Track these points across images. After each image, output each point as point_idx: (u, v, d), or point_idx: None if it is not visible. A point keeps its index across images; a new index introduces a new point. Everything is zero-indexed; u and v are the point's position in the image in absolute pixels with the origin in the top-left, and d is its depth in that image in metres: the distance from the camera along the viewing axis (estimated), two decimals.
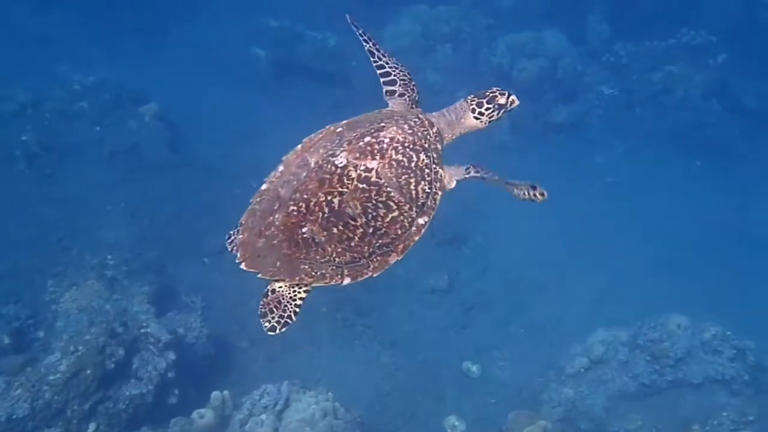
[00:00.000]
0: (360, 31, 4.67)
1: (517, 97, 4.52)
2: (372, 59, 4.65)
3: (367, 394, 11.41)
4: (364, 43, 4.66)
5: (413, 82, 4.65)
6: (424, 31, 19.78)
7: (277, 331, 4.09)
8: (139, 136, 16.02)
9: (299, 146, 4.28)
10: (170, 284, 12.23)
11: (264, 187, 4.24)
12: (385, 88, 4.64)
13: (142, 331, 9.51)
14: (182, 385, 9.84)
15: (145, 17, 22.31)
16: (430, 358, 12.26)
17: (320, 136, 4.27)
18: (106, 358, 8.92)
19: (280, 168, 4.24)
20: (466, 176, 4.39)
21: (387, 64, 4.63)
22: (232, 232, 4.35)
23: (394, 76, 4.62)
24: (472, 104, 4.47)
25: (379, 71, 4.64)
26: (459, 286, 13.82)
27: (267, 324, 4.09)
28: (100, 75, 17.13)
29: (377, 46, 4.64)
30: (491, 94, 4.49)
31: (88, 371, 8.79)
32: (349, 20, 4.70)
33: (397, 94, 4.61)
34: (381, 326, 12.60)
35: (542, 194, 4.43)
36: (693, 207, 16.52)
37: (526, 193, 4.44)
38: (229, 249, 4.34)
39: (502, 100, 4.48)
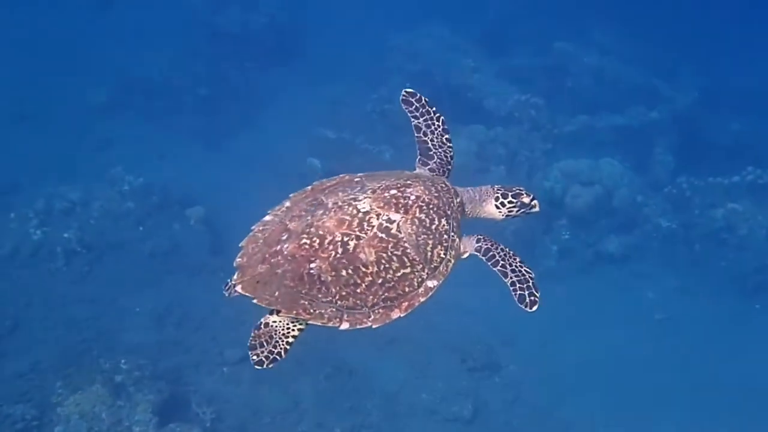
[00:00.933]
0: (414, 106, 4.78)
1: (539, 205, 4.66)
2: (417, 134, 4.79)
3: None
4: (413, 119, 4.77)
5: (450, 167, 4.74)
6: (479, 151, 19.67)
7: (265, 366, 4.01)
8: (181, 238, 16.12)
9: (309, 187, 4.35)
10: (183, 393, 11.98)
11: (268, 218, 4.26)
12: (421, 158, 4.78)
13: None
14: None
15: (207, 123, 22.82)
16: None
17: (334, 182, 4.36)
18: None
19: (287, 204, 4.29)
20: (476, 252, 4.41)
21: (433, 141, 4.75)
22: (229, 281, 4.19)
23: (436, 156, 4.73)
24: (497, 193, 4.59)
25: (420, 145, 4.78)
26: (485, 417, 13.22)
27: (255, 357, 4.01)
28: (151, 177, 17.42)
29: (429, 122, 4.77)
30: (517, 191, 4.62)
31: None
32: (405, 95, 4.81)
33: (428, 167, 4.72)
34: None
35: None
36: (749, 354, 15.64)
37: (521, 286, 4.41)
38: (226, 294, 4.22)
39: (525, 200, 4.58)
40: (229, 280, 4.20)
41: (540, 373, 14.29)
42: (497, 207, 4.58)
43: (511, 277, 4.38)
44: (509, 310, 13.49)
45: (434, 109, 4.76)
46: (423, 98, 4.77)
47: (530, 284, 4.37)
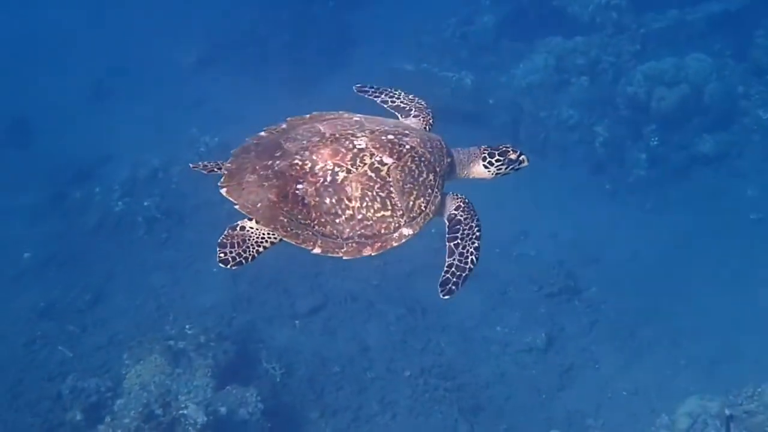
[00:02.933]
0: (370, 92, 5.00)
1: (528, 159, 4.66)
2: (385, 106, 4.90)
3: None
4: (375, 99, 4.92)
5: (429, 109, 4.85)
6: (557, 65, 18.89)
7: (229, 266, 4.06)
8: None
9: (308, 115, 4.50)
10: (253, 350, 12.24)
11: (263, 134, 4.38)
12: (398, 114, 4.87)
13: (181, 412, 9.51)
14: None
15: (293, 71, 22.89)
16: (515, 426, 11.51)
17: (333, 115, 4.50)
18: None
19: (283, 125, 4.43)
20: (449, 216, 4.43)
21: (398, 99, 4.92)
22: (201, 162, 4.58)
23: (413, 108, 4.86)
24: (484, 153, 4.63)
25: (392, 109, 4.89)
26: (561, 344, 12.92)
27: (222, 255, 4.07)
28: (229, 135, 17.63)
29: (389, 94, 4.97)
30: (504, 149, 4.64)
31: None
32: (356, 90, 5.07)
33: (412, 115, 4.81)
34: (467, 389, 11.98)
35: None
36: None
37: (456, 272, 4.33)
38: (192, 167, 4.61)
39: (513, 156, 4.62)
40: (206, 162, 4.52)
41: (622, 293, 13.79)
42: (485, 167, 4.63)
43: (452, 260, 4.32)
44: (594, 229, 13.24)
45: (388, 88, 4.93)
46: (371, 86, 5.02)
47: (462, 276, 4.29)
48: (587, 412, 11.69)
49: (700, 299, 13.43)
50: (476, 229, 4.38)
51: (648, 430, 10.70)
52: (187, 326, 11.82)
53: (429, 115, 4.82)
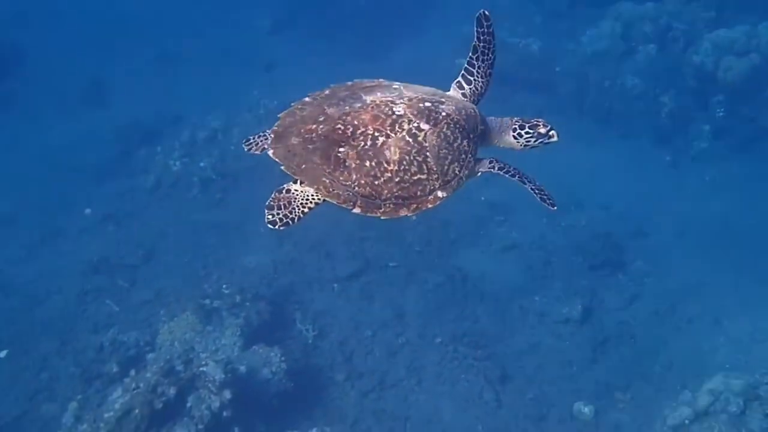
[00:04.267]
0: (482, 30, 4.73)
1: (558, 134, 4.78)
2: (471, 54, 4.79)
3: None
4: (476, 40, 4.77)
5: (480, 98, 4.91)
6: (624, 32, 18.44)
7: (277, 227, 4.40)
8: None
9: (349, 83, 4.65)
10: (289, 311, 12.49)
11: (307, 99, 4.59)
12: (459, 80, 4.87)
13: (201, 369, 9.84)
14: (246, 423, 10.03)
15: (366, 36, 23.01)
16: (542, 396, 11.47)
17: (374, 83, 4.64)
18: (156, 398, 9.35)
19: (327, 91, 4.61)
20: (490, 169, 4.73)
21: (479, 69, 4.82)
22: (252, 137, 4.87)
23: (474, 83, 4.85)
24: (515, 125, 4.81)
25: (467, 67, 4.83)
26: (599, 316, 12.79)
27: (270, 217, 4.43)
28: (287, 99, 17.84)
29: (485, 50, 4.79)
30: (534, 122, 4.80)
31: (137, 411, 9.27)
32: (481, 15, 4.69)
33: (461, 91, 4.85)
34: (499, 358, 12.00)
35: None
36: None
37: (539, 191, 4.77)
38: (245, 148, 4.85)
39: (542, 130, 4.77)
40: (251, 137, 4.84)
41: (668, 268, 13.58)
42: (515, 138, 4.80)
43: (529, 186, 4.73)
44: (648, 202, 13.05)
45: (494, 41, 4.80)
46: (492, 25, 4.79)
47: (545, 192, 4.74)
48: (617, 386, 11.57)
49: (746, 279, 13.10)
50: (515, 168, 4.76)
51: (670, 405, 10.53)
52: (224, 286, 12.15)
53: (477, 100, 4.88)
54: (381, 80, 4.70)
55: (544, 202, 4.70)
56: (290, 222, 4.40)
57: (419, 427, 10.87)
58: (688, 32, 18.33)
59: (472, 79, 4.82)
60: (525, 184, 4.74)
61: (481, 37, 4.73)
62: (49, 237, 15.00)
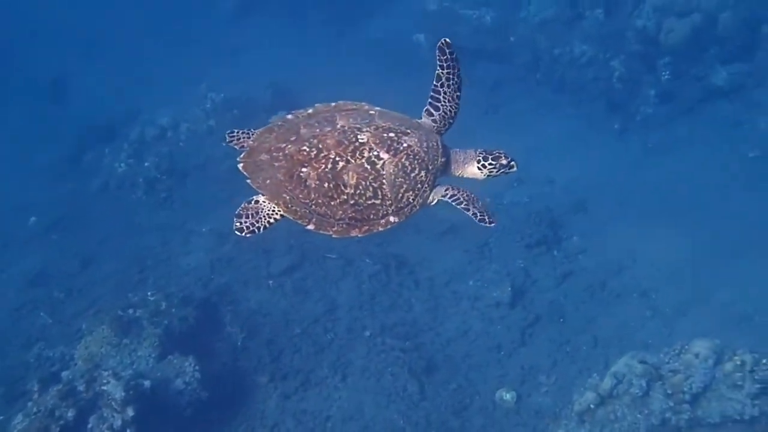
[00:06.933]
0: (446, 57, 4.96)
1: (517, 165, 5.16)
2: (435, 83, 5.05)
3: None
4: (439, 68, 5.01)
5: (451, 121, 5.17)
6: None
7: (243, 234, 4.77)
8: None
9: (333, 104, 4.98)
10: (220, 313, 12.50)
11: (289, 117, 4.92)
12: (428, 108, 5.14)
13: (103, 387, 9.81)
14: None
15: (335, 15, 22.93)
16: (467, 384, 11.43)
17: (354, 106, 4.96)
18: (53, 422, 9.27)
19: (310, 110, 4.95)
20: (443, 197, 5.03)
21: (445, 95, 5.06)
22: (236, 131, 5.08)
23: (442, 109, 5.10)
24: (479, 156, 5.14)
25: (432, 94, 5.09)
26: (531, 297, 12.70)
27: (238, 224, 4.80)
28: (234, 91, 17.80)
29: (450, 76, 5.02)
30: (497, 154, 5.14)
31: None
32: (443, 44, 4.95)
33: (431, 118, 5.13)
34: (427, 348, 11.98)
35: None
36: None
37: (480, 213, 5.07)
38: (227, 141, 5.08)
39: (504, 161, 5.13)
40: (235, 131, 5.06)
41: (603, 242, 13.43)
42: (479, 168, 5.13)
43: (472, 210, 5.03)
44: (592, 174, 12.84)
45: (458, 66, 5.00)
46: (455, 52, 4.99)
47: (488, 212, 5.03)
48: (542, 368, 11.52)
49: (680, 246, 12.94)
50: (471, 194, 5.06)
51: (579, 390, 10.47)
52: (149, 293, 12.09)
53: (446, 127, 5.16)
54: (363, 104, 5.01)
55: (483, 222, 5.00)
56: (256, 231, 4.78)
57: (340, 426, 10.88)
58: None
59: (439, 105, 5.07)
60: (468, 211, 5.02)
61: (444, 65, 4.97)
62: None
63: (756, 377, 9.07)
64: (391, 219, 4.73)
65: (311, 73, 18.78)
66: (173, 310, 11.88)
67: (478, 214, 5.02)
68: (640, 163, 15.32)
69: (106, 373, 9.94)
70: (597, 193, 14.57)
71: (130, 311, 11.67)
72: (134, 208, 15.57)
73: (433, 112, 5.09)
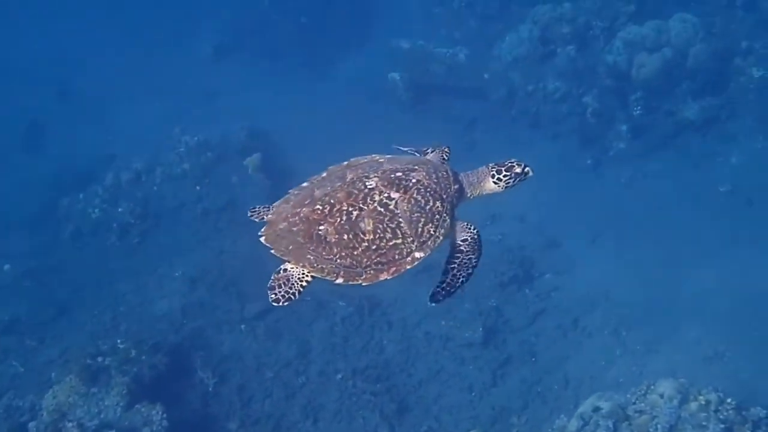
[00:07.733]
0: (407, 150, 5.40)
1: (532, 170, 5.14)
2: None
3: None
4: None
5: (447, 153, 5.35)
6: (542, 35, 18.32)
7: (281, 303, 4.65)
8: (237, 191, 16.43)
9: (345, 162, 5.03)
10: (192, 359, 12.46)
11: (305, 184, 4.99)
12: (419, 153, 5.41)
13: None
14: None
15: (312, 55, 23.15)
16: (437, 426, 11.46)
17: (365, 160, 5.02)
18: None
19: (324, 174, 5.01)
20: (454, 244, 4.90)
21: (425, 153, 5.36)
22: (258, 207, 5.11)
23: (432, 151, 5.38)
24: (492, 171, 5.13)
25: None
26: (503, 337, 12.73)
27: (273, 296, 4.66)
28: (209, 134, 17.82)
29: (420, 150, 5.40)
30: (509, 164, 5.12)
31: None
32: (395, 147, 5.37)
33: (430, 152, 5.37)
34: (399, 390, 11.98)
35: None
36: None
37: (452, 283, 4.82)
38: (249, 215, 5.12)
39: (518, 170, 5.10)
40: (257, 207, 5.11)
41: (574, 280, 13.50)
42: (495, 183, 5.11)
43: (444, 278, 4.82)
44: (563, 210, 12.88)
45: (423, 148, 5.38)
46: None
47: (450, 292, 4.80)
48: (513, 410, 11.55)
49: (652, 284, 12.99)
50: (474, 261, 4.85)
51: (549, 431, 10.45)
52: (119, 341, 12.03)
53: (446, 153, 5.33)
54: (374, 156, 5.06)
55: (432, 295, 4.78)
56: (291, 297, 4.67)
57: None
58: (609, 29, 18.12)
59: (434, 150, 5.33)
60: (444, 275, 4.81)
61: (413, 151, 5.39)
62: None
63: (720, 417, 9.06)
64: (417, 255, 4.69)
65: (287, 114, 18.94)
66: (143, 357, 11.87)
67: (441, 288, 4.79)
68: (613, 198, 15.40)
69: (70, 425, 9.96)
70: (570, 230, 14.62)
71: (99, 359, 11.64)
72: (108, 253, 15.49)
73: (428, 152, 5.36)
